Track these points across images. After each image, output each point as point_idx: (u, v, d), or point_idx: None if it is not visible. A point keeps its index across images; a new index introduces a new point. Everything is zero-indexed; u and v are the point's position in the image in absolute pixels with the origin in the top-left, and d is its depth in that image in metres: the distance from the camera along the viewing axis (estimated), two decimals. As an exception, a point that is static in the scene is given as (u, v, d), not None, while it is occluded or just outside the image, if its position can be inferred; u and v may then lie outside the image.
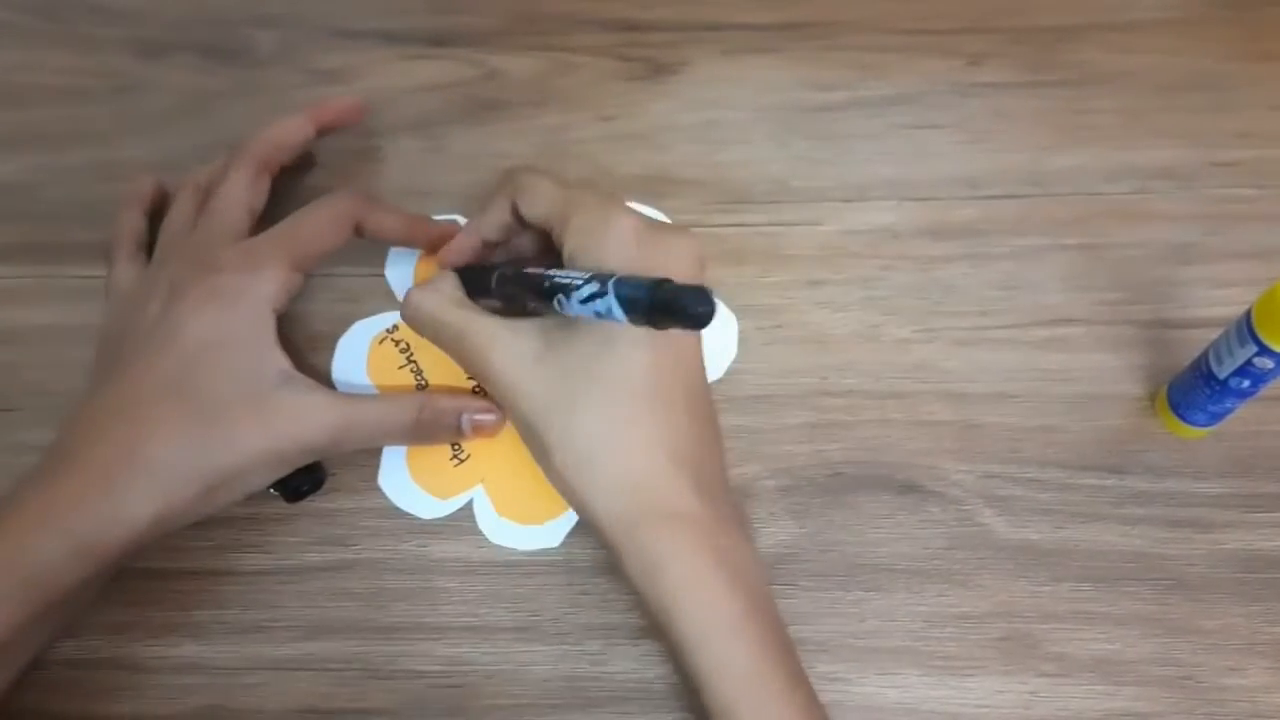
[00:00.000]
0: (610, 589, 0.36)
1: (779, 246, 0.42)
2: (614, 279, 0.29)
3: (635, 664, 0.35)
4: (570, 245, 0.34)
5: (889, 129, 0.44)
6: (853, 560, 0.37)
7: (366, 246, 0.40)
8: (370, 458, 0.38)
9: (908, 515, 0.37)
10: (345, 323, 0.41)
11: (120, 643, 0.36)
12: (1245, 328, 0.32)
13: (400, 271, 0.42)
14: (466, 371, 0.36)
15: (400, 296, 0.41)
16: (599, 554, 0.37)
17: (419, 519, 0.38)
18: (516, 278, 0.35)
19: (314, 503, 0.38)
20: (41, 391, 0.40)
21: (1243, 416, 0.36)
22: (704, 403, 0.35)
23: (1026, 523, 0.37)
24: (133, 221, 0.40)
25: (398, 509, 0.38)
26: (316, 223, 0.38)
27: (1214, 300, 0.40)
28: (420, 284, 0.37)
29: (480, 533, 0.37)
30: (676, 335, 0.31)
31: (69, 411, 0.35)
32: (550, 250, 0.35)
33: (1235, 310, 0.33)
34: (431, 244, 0.41)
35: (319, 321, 0.41)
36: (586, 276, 0.30)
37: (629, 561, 0.32)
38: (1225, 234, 0.41)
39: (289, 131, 0.40)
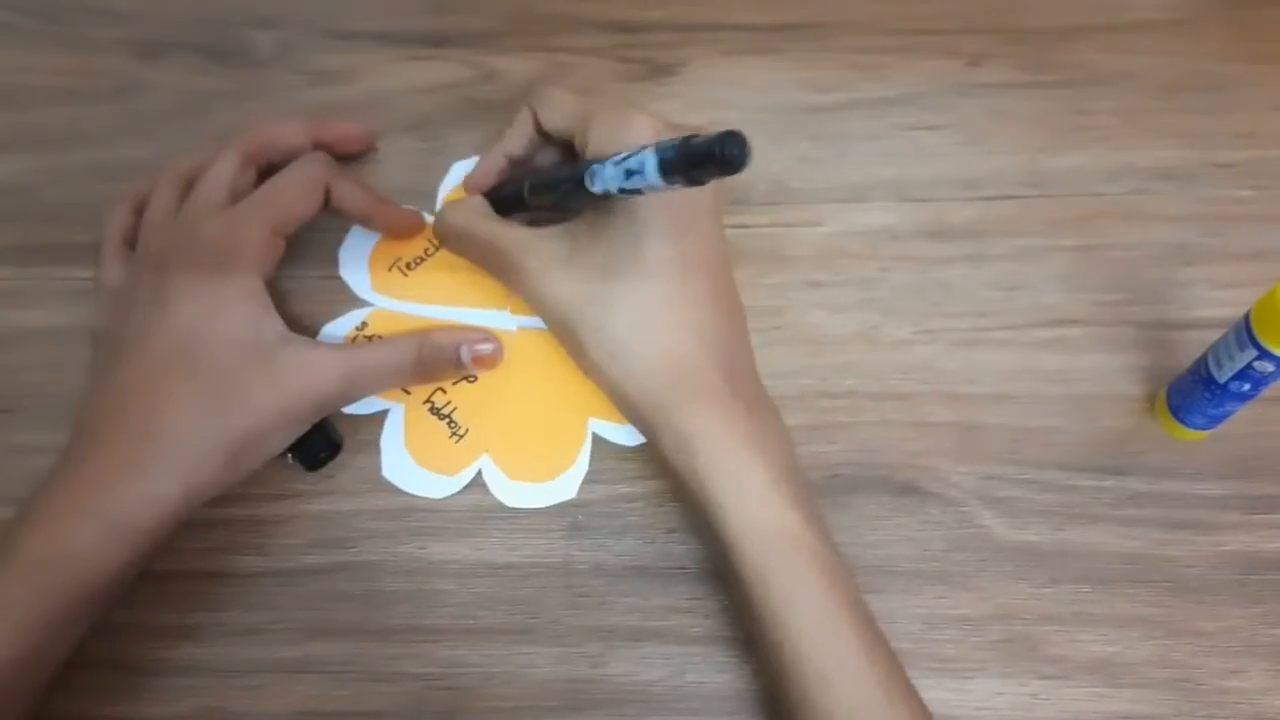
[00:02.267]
0: (609, 591, 0.36)
1: (778, 247, 0.42)
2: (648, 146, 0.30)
3: (634, 666, 0.35)
4: (593, 146, 0.35)
5: (888, 130, 0.44)
6: (852, 561, 0.36)
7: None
8: (370, 459, 0.38)
9: (907, 517, 0.37)
10: (302, 324, 0.40)
11: (118, 644, 0.36)
12: (1244, 331, 0.32)
13: (354, 270, 0.42)
14: (498, 281, 0.38)
15: (356, 292, 0.41)
16: (598, 556, 0.37)
17: (434, 499, 0.38)
18: (549, 181, 0.36)
19: (312, 505, 0.38)
20: (40, 393, 0.40)
21: (1242, 418, 0.36)
22: (729, 293, 0.36)
23: (1026, 524, 0.37)
24: (121, 217, 0.40)
25: (411, 495, 0.38)
26: (292, 187, 0.38)
27: (1213, 301, 0.40)
28: (450, 202, 0.38)
29: (479, 533, 0.37)
30: (703, 229, 0.33)
31: (79, 404, 0.36)
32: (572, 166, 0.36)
33: (1234, 311, 0.33)
34: (391, 227, 0.41)
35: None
36: (617, 160, 0.31)
37: (665, 439, 0.33)
38: (1224, 235, 0.41)
39: (284, 134, 0.41)
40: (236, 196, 0.38)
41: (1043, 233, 0.42)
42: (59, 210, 0.44)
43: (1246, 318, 0.32)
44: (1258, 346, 0.31)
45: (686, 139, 0.29)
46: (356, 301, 0.41)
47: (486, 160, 0.39)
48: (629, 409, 0.34)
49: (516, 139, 0.39)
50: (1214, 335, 0.34)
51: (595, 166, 0.32)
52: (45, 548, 0.32)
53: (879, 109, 0.45)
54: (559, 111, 0.37)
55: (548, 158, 0.40)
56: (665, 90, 0.46)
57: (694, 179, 0.29)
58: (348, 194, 0.39)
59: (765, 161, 0.44)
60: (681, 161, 0.29)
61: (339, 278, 0.42)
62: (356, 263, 0.42)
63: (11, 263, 0.43)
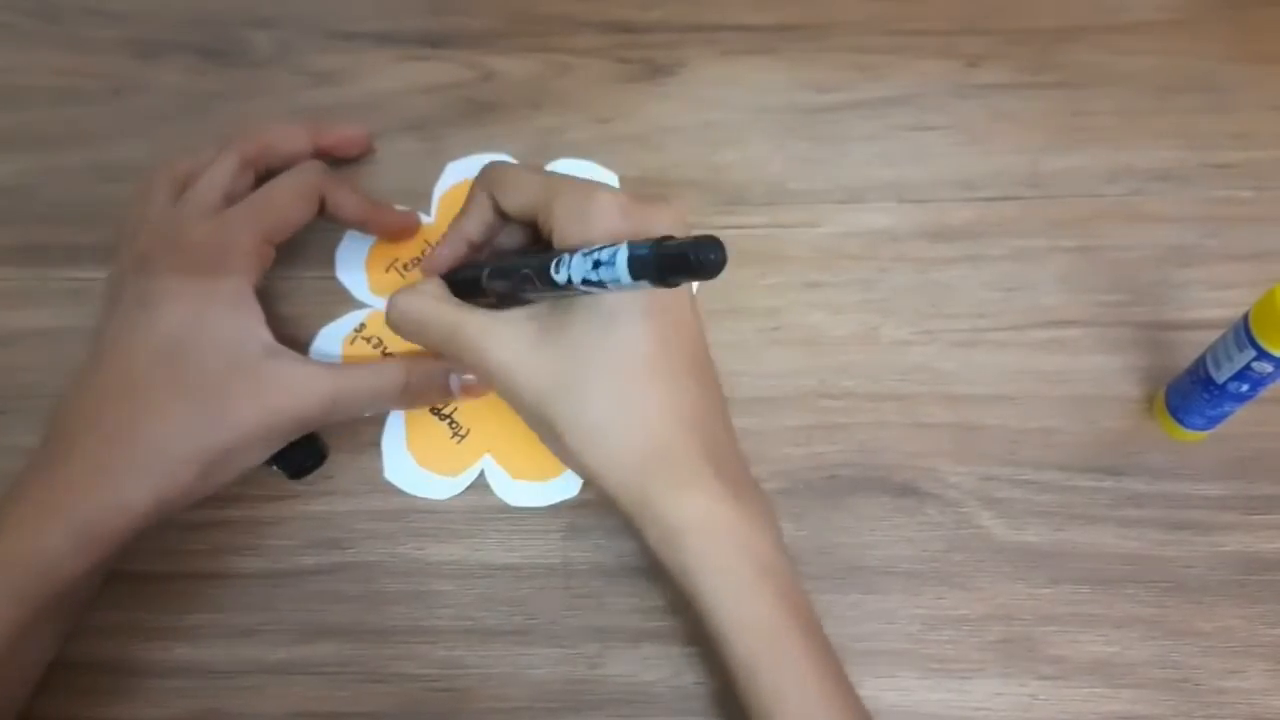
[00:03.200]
0: (607, 591, 0.36)
1: (777, 248, 0.42)
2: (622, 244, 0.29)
3: (633, 667, 0.35)
4: (558, 229, 0.33)
5: (887, 130, 0.44)
6: (850, 563, 0.36)
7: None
8: (368, 460, 0.38)
9: (906, 517, 0.37)
10: (300, 326, 0.40)
11: (114, 646, 0.36)
12: (1243, 332, 0.32)
13: (351, 271, 0.42)
14: (463, 368, 0.37)
15: (354, 294, 0.41)
16: (596, 557, 0.37)
17: (436, 500, 0.38)
18: (509, 268, 0.34)
19: (309, 505, 0.38)
20: (37, 394, 0.40)
21: (1241, 418, 0.36)
22: (707, 368, 0.35)
23: (1025, 525, 0.37)
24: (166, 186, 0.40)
25: (413, 497, 0.38)
26: (286, 195, 0.38)
27: (1211, 302, 0.40)
28: (403, 287, 0.36)
29: (478, 534, 0.37)
30: (673, 303, 0.32)
31: (59, 401, 0.35)
32: (533, 247, 0.35)
33: (1233, 312, 0.33)
34: (387, 231, 0.41)
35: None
36: (586, 250, 0.30)
37: (648, 531, 0.32)
38: (1223, 236, 0.41)
39: (285, 138, 0.40)
40: (231, 200, 0.38)
41: (1042, 233, 0.42)
42: (58, 210, 0.44)
43: (1245, 318, 0.32)
44: (1256, 347, 0.31)
45: (661, 240, 0.28)
46: (354, 303, 0.41)
47: (446, 244, 0.37)
48: (609, 496, 0.33)
49: (474, 223, 0.36)
50: (1212, 336, 0.34)
51: (564, 255, 0.31)
52: (18, 548, 0.31)
53: (878, 109, 0.45)
54: (520, 193, 0.35)
55: (512, 237, 0.37)
56: (664, 91, 0.46)
57: (666, 281, 0.28)
58: (343, 201, 0.39)
59: (764, 162, 0.44)
60: (655, 263, 0.28)
61: (336, 279, 0.42)
62: (353, 264, 0.42)
63: (10, 263, 0.43)
